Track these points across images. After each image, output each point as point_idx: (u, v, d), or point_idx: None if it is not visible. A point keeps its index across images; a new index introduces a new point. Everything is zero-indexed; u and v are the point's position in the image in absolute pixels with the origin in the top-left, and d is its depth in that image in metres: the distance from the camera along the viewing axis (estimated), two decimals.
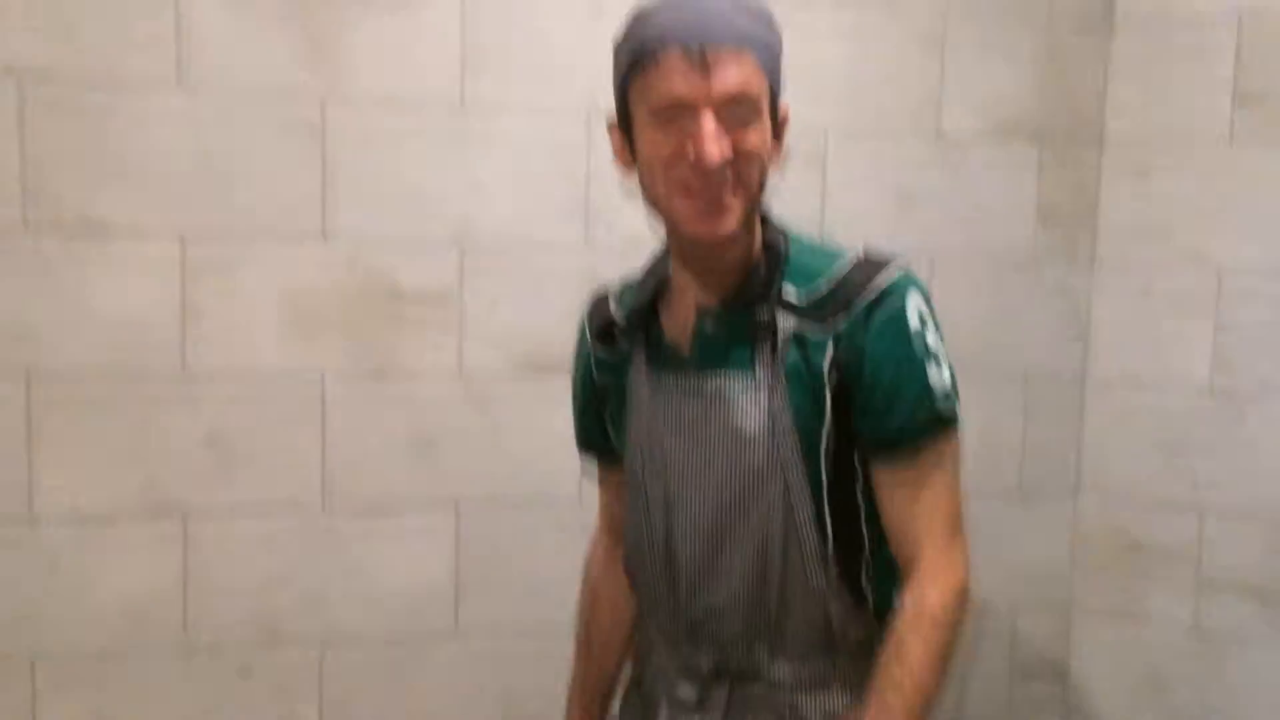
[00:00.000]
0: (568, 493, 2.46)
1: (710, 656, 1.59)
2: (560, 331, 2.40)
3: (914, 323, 1.46)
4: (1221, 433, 2.69)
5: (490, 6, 2.38)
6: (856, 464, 1.50)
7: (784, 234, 1.56)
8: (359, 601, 2.40)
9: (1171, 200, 2.72)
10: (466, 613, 2.47)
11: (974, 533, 2.65)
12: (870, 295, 1.46)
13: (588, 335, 1.70)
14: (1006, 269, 2.75)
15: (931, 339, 1.48)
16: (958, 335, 2.71)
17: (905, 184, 2.66)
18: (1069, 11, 2.72)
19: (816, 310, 1.47)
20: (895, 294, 1.47)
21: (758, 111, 1.42)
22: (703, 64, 1.38)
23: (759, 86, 1.42)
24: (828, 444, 1.48)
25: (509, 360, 2.45)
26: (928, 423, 1.46)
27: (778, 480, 1.48)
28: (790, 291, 1.49)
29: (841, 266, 1.50)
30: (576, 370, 1.76)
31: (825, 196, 2.61)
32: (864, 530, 1.53)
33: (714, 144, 1.38)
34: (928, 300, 1.50)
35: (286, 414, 2.33)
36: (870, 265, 1.50)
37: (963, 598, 1.49)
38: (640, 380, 1.60)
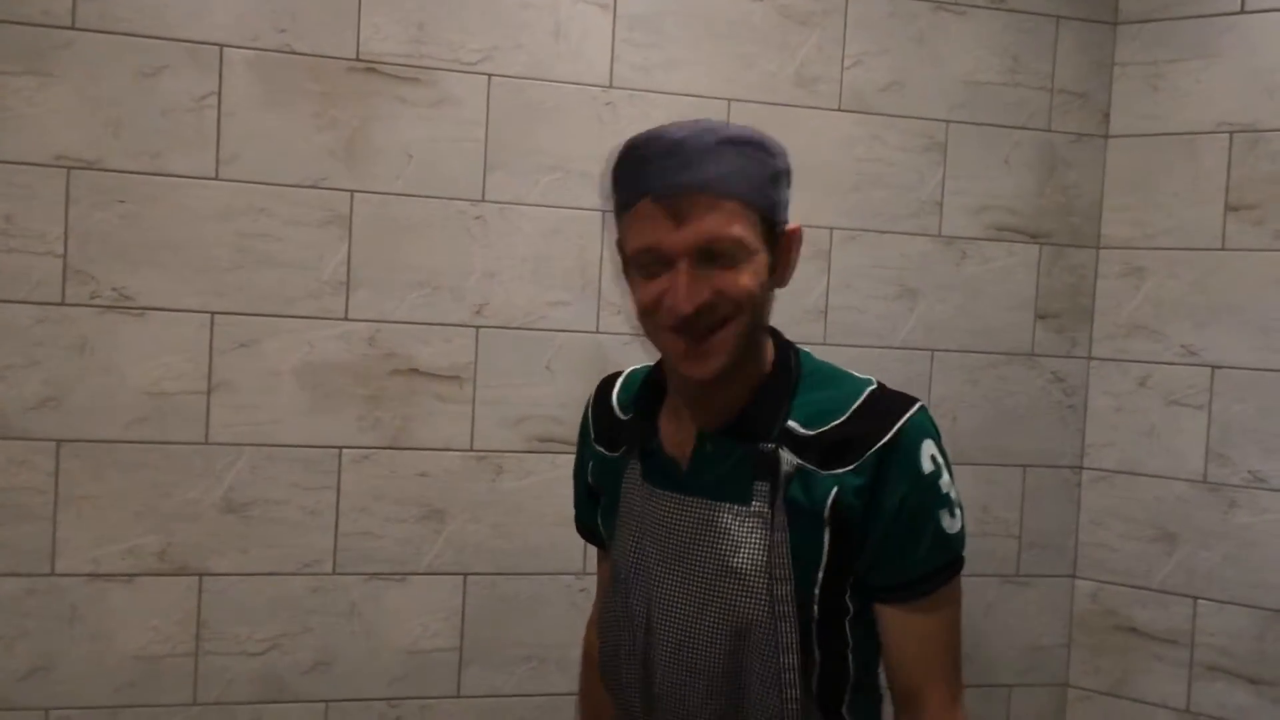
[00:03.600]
0: (572, 566, 2.34)
1: None
2: (569, 411, 2.30)
3: (928, 472, 1.29)
4: (1215, 521, 2.56)
5: (512, 108, 2.32)
6: (848, 601, 1.32)
7: (796, 361, 1.37)
8: (365, 662, 2.28)
9: (1166, 299, 2.62)
10: (469, 678, 2.33)
11: (972, 610, 2.51)
12: (881, 442, 1.28)
13: (590, 429, 1.52)
14: (1006, 361, 2.62)
15: (944, 484, 1.31)
16: (959, 424, 2.62)
17: (907, 280, 2.53)
18: (1066, 121, 2.61)
19: (823, 450, 1.29)
20: (908, 441, 1.29)
21: (742, 253, 1.24)
22: (676, 214, 1.22)
23: (743, 227, 1.23)
24: (821, 581, 1.30)
25: (519, 437, 2.33)
26: (938, 570, 1.31)
27: (766, 618, 1.30)
28: (797, 426, 1.31)
29: (853, 406, 1.32)
30: (578, 457, 1.59)
31: (829, 291, 2.46)
32: (850, 662, 1.35)
33: (687, 295, 1.22)
34: (939, 442, 1.33)
35: (303, 482, 2.24)
36: (883, 407, 1.31)
37: None
38: (633, 489, 1.41)
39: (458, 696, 2.31)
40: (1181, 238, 2.57)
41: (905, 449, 1.28)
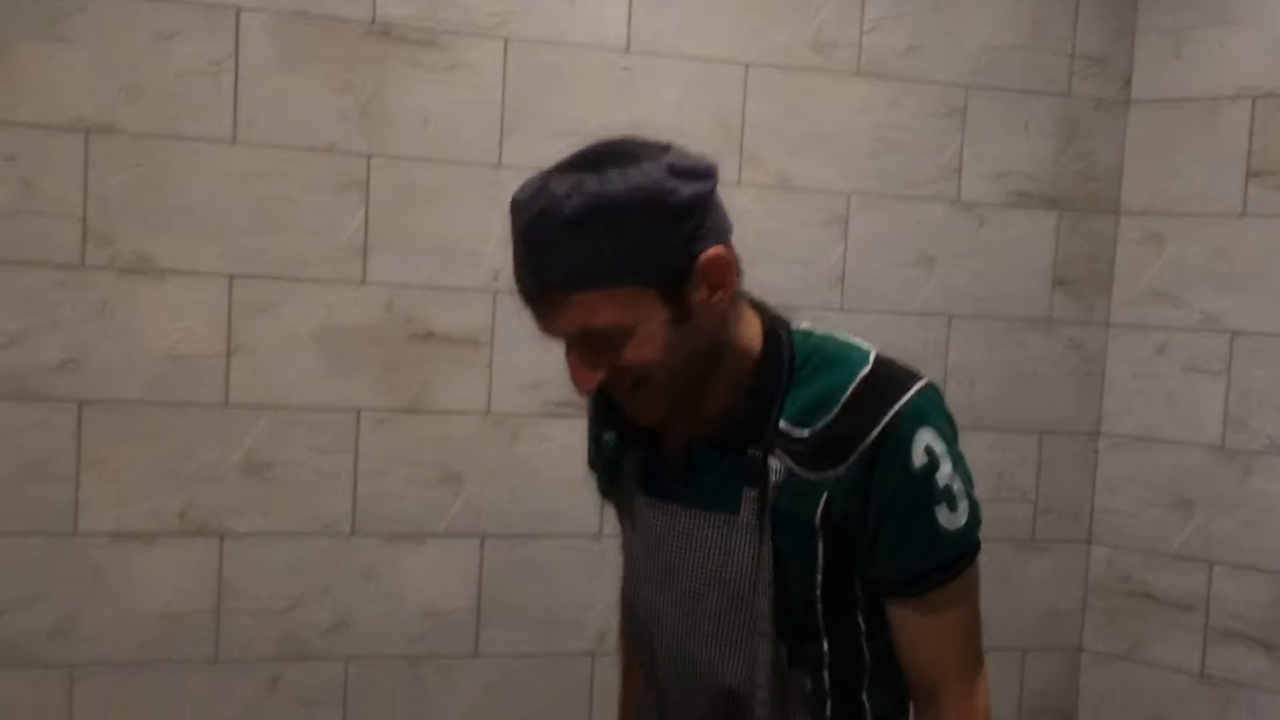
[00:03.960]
0: (588, 530, 2.34)
1: None
2: None
3: (919, 467, 1.18)
4: (1232, 488, 2.53)
5: (529, 72, 2.30)
6: (857, 590, 1.25)
7: (790, 349, 1.24)
8: (384, 622, 2.30)
9: (1185, 266, 2.58)
10: (487, 638, 2.34)
11: (986, 575, 2.48)
12: (868, 440, 1.18)
13: (592, 405, 1.43)
14: (1024, 328, 2.60)
15: (942, 476, 1.20)
16: (975, 390, 2.60)
17: (925, 246, 2.52)
18: (1087, 86, 2.58)
19: (814, 451, 1.19)
20: (896, 437, 1.18)
21: (618, 333, 1.13)
22: (539, 310, 1.14)
23: (610, 310, 1.11)
24: (823, 584, 1.22)
25: (535, 402, 2.33)
26: (941, 566, 1.22)
27: (758, 630, 1.23)
28: (789, 427, 1.21)
29: (844, 398, 1.20)
30: (588, 423, 1.50)
31: (846, 258, 2.44)
32: (865, 649, 1.28)
33: (582, 378, 1.16)
34: (940, 427, 1.21)
35: (321, 444, 2.24)
36: (875, 396, 1.20)
37: None
38: (631, 486, 1.35)
39: (475, 656, 2.32)
40: (1202, 204, 2.53)
41: (894, 444, 1.18)
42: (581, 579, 2.34)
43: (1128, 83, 2.59)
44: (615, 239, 1.10)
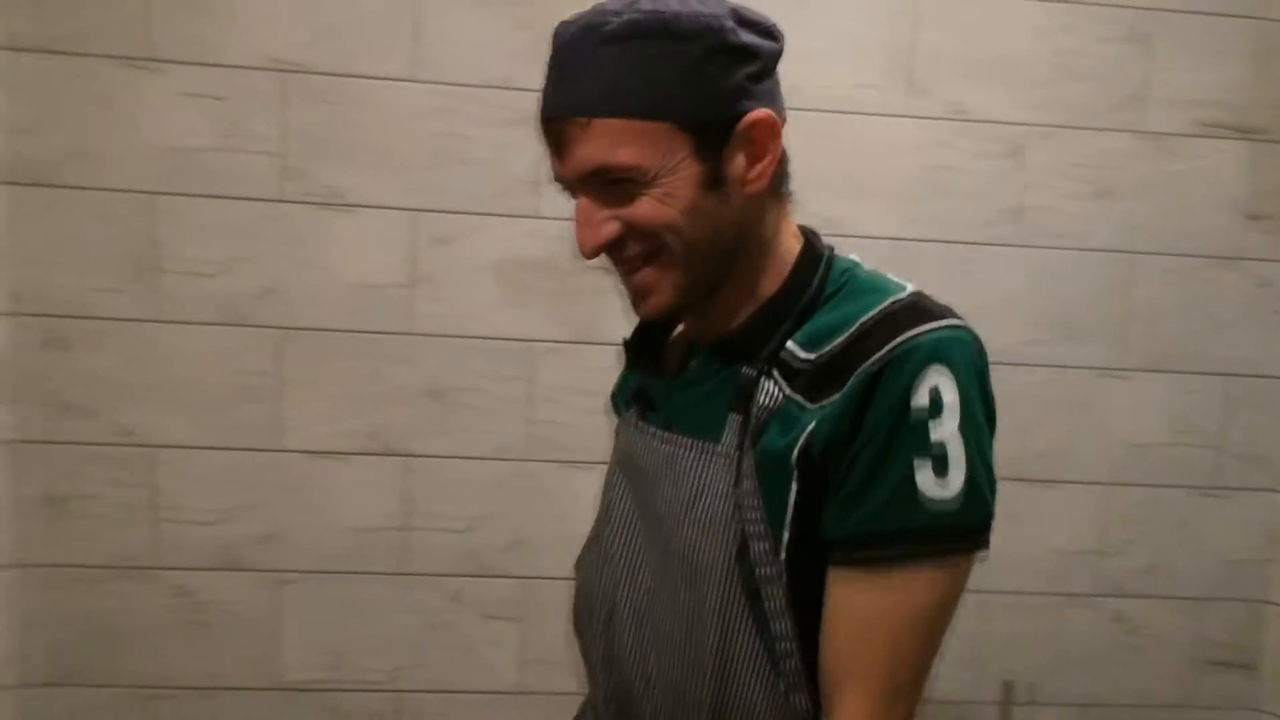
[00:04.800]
0: None
1: None
2: None
3: (915, 406, 0.97)
4: None
5: None
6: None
7: (824, 275, 1.09)
8: (556, 544, 2.40)
9: None
10: None
11: (1164, 521, 2.43)
12: (872, 362, 0.98)
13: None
14: (1211, 265, 2.49)
15: (939, 430, 0.97)
16: (1157, 328, 2.51)
17: (1106, 178, 2.43)
18: None
19: (814, 379, 1.02)
20: (907, 362, 0.98)
21: (638, 177, 1.00)
22: (557, 143, 1.03)
23: (634, 148, 0.99)
24: (790, 541, 1.02)
25: None
26: (901, 534, 0.97)
27: (724, 581, 1.04)
28: (796, 349, 1.04)
29: (861, 320, 1.02)
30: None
31: (1025, 190, 2.38)
32: None
33: (586, 233, 1.05)
34: (964, 375, 0.99)
35: (499, 372, 2.35)
36: (895, 321, 1.01)
37: None
38: (627, 408, 1.24)
39: None
40: None
41: (898, 373, 0.97)
42: None
43: None
44: (657, 64, 0.98)
